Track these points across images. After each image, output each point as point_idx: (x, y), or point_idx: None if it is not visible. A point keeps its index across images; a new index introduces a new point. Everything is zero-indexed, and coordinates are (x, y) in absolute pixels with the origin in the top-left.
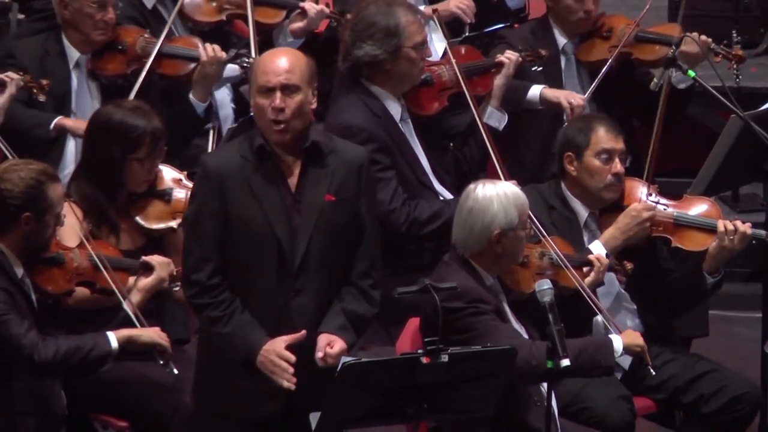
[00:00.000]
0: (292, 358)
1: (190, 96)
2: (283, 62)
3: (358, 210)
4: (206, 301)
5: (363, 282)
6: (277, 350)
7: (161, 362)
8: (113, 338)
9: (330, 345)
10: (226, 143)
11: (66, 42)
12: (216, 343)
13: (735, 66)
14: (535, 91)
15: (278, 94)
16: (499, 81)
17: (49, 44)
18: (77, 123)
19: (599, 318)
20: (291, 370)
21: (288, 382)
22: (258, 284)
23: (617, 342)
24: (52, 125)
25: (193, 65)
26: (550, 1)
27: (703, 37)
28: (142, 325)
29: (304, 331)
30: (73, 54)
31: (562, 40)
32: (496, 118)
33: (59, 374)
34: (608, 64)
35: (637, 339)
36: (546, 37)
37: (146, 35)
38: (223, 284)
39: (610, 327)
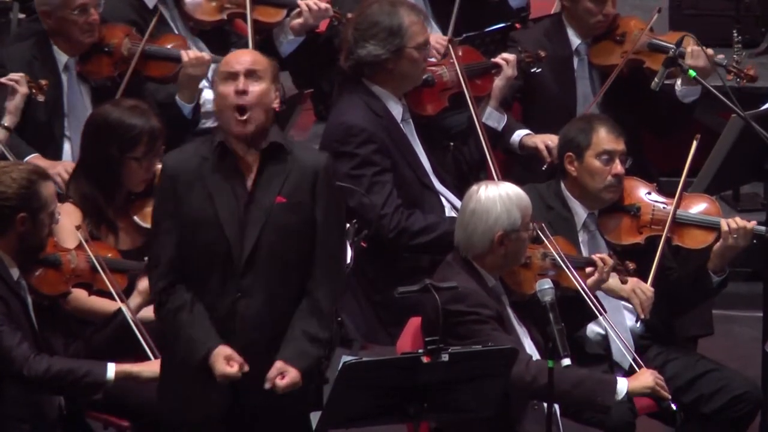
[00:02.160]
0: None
1: (176, 97)
2: (248, 55)
3: (314, 216)
4: (160, 315)
5: (317, 292)
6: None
7: None
8: (111, 370)
9: (282, 375)
10: (188, 142)
11: (54, 46)
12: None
13: (744, 82)
14: (516, 138)
15: (242, 78)
16: (499, 82)
17: (37, 49)
18: (47, 164)
19: (598, 323)
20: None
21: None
22: (207, 283)
23: (622, 384)
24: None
25: (179, 66)
26: (567, 1)
27: (710, 51)
28: (138, 329)
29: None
30: (62, 58)
31: (575, 41)
32: (495, 118)
33: (48, 392)
34: (618, 68)
35: (646, 381)
36: (560, 37)
37: (132, 36)
38: (171, 288)
39: (608, 328)
